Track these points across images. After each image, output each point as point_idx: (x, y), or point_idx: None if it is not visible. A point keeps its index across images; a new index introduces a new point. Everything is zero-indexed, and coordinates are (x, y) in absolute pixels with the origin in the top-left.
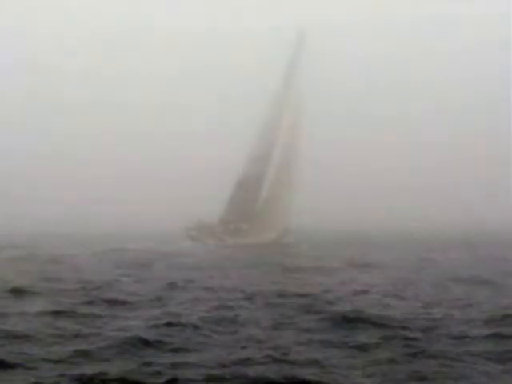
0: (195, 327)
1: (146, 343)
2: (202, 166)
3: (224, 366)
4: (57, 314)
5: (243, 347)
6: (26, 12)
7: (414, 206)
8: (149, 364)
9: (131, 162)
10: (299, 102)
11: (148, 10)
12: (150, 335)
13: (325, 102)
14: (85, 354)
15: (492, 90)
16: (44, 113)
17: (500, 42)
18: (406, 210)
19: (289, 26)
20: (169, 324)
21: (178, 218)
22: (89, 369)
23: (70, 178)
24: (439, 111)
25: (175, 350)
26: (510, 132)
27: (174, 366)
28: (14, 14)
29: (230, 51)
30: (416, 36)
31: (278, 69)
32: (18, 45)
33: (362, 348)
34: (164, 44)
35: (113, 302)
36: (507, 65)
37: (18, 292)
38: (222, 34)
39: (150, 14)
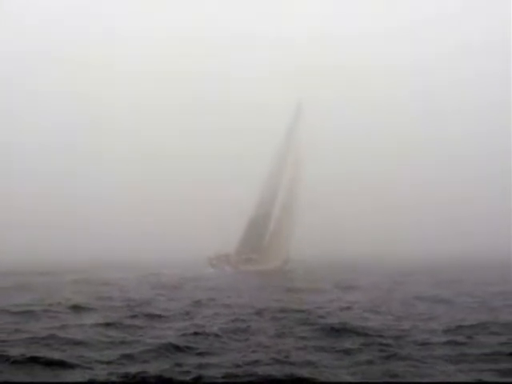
0: (216, 336)
1: (177, 348)
2: (221, 208)
3: (238, 366)
4: (107, 325)
5: (253, 351)
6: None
7: (390, 240)
8: (179, 365)
9: (166, 204)
10: (298, 157)
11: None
12: (180, 342)
13: (319, 158)
14: (129, 357)
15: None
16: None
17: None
18: (384, 242)
19: (289, 98)
20: (195, 333)
21: (202, 250)
22: (132, 368)
23: (115, 219)
24: (418, 167)
25: (200, 354)
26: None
27: (200, 366)
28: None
29: (242, 119)
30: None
31: (281, 132)
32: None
33: (347, 352)
34: (183, 108)
35: (151, 316)
36: (507, 119)
37: (76, 308)
38: (233, 103)
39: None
